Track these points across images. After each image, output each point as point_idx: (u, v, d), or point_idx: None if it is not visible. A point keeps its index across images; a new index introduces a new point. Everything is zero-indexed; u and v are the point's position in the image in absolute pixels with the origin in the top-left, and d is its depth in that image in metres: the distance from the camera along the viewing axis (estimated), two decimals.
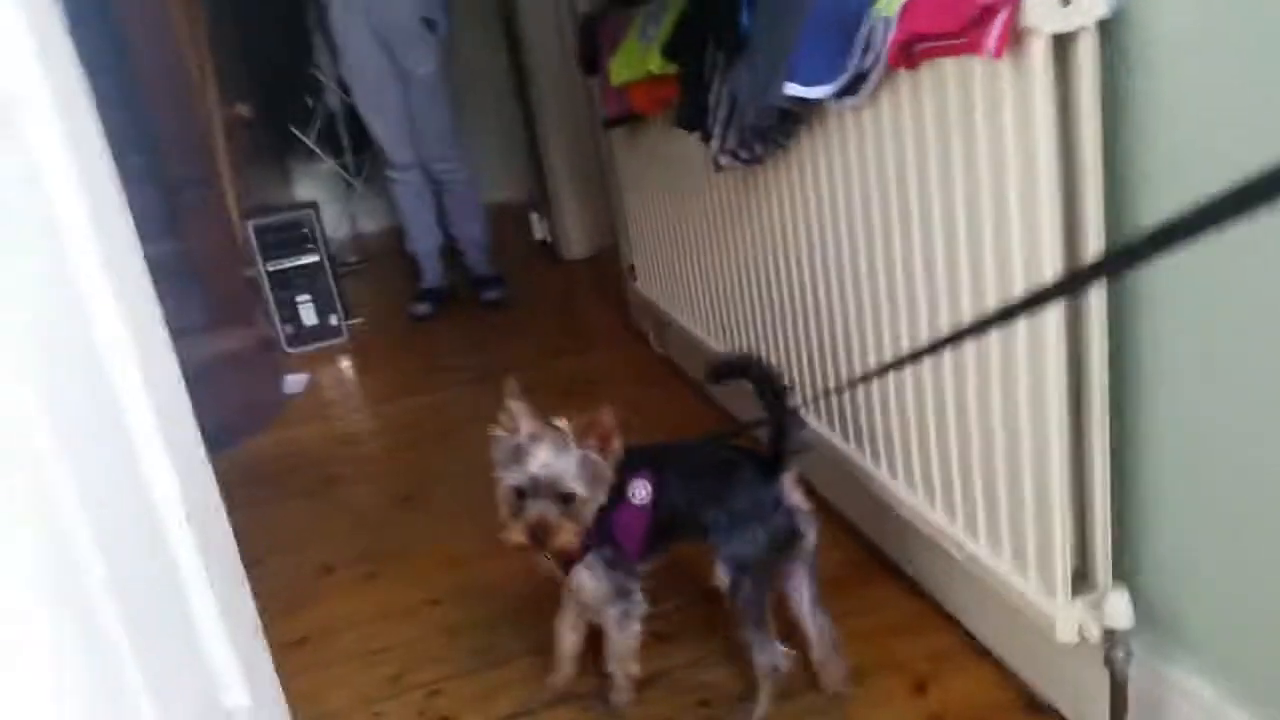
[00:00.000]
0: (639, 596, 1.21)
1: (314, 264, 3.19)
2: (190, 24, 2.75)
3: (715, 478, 1.16)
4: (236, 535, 1.67)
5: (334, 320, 3.24)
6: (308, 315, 3.20)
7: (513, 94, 3.90)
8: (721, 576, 1.14)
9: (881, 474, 1.38)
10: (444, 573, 1.72)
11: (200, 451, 1.04)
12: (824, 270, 1.38)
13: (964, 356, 1.09)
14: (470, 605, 1.61)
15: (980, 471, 1.11)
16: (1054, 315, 0.92)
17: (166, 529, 0.96)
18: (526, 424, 1.11)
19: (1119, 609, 0.95)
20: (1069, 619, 0.99)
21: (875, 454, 1.39)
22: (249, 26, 3.91)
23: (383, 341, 3.25)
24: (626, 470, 1.13)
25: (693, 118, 1.48)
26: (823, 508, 1.70)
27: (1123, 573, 0.99)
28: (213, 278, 2.55)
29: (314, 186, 4.67)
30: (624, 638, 1.23)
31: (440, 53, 3.02)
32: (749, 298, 1.70)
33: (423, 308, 3.37)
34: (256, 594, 1.73)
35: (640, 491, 1.14)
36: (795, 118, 1.26)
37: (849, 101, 1.14)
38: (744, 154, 1.37)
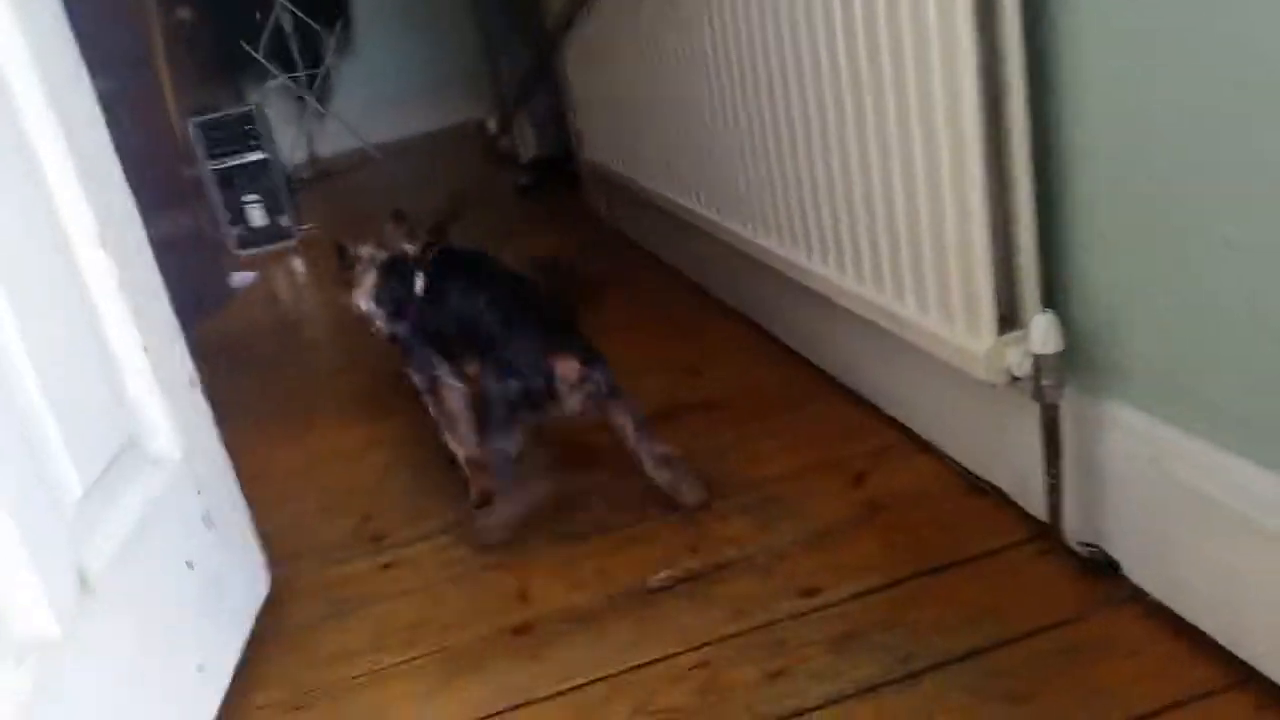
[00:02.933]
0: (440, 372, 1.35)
1: (260, 162, 3.09)
2: None
3: (503, 316, 1.22)
4: None
5: (284, 222, 3.16)
6: (256, 216, 3.12)
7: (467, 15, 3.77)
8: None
9: (801, 258, 1.34)
10: (378, 423, 1.69)
11: (117, 173, 0.97)
12: (754, 91, 1.32)
13: (881, 101, 1.02)
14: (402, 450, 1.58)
15: (904, 222, 1.05)
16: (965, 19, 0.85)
17: (76, 253, 0.88)
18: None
19: (1044, 332, 0.90)
20: (996, 356, 0.94)
21: (794, 239, 1.35)
22: None
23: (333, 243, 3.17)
24: (439, 266, 1.33)
25: None
26: (755, 330, 1.71)
27: (1052, 303, 0.93)
28: (147, 169, 2.46)
29: (266, 105, 4.55)
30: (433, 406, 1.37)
31: None
32: (688, 137, 1.63)
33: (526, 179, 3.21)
34: None
35: (418, 283, 1.33)
36: None
37: None
38: None
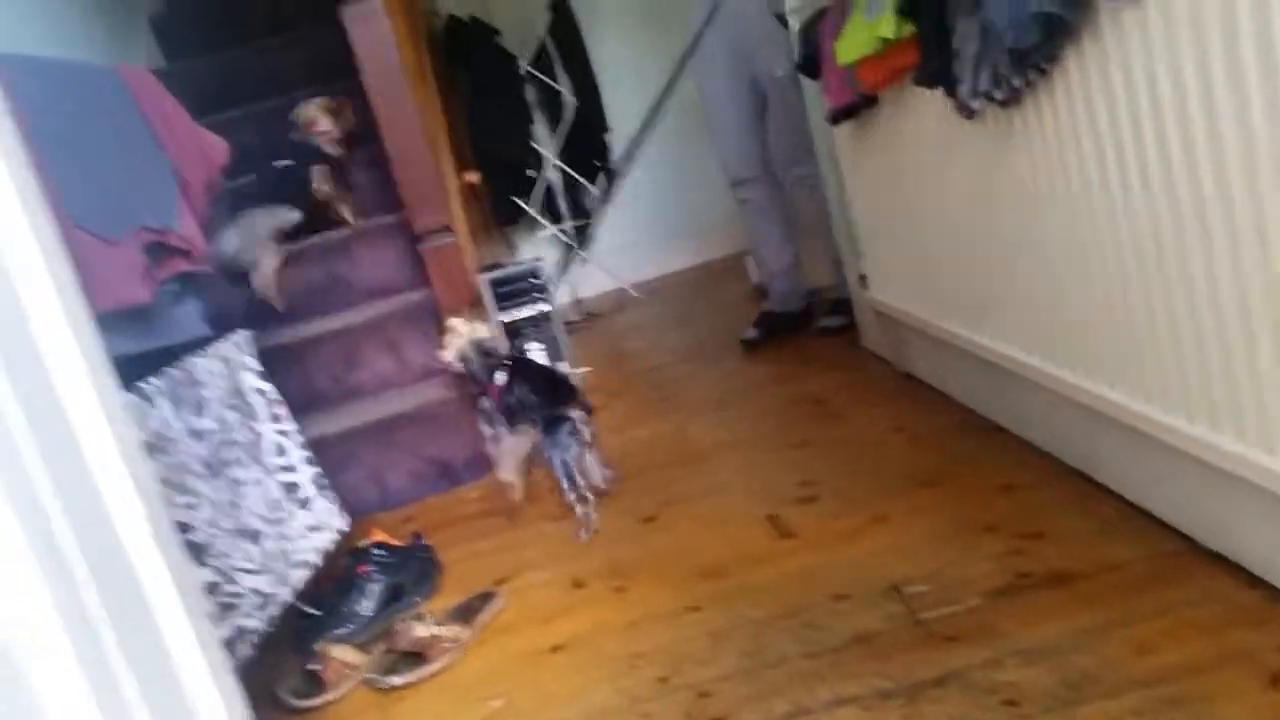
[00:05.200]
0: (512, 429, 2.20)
1: (544, 314, 3.28)
2: (428, 101, 2.97)
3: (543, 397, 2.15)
4: (484, 558, 1.72)
5: (564, 368, 3.31)
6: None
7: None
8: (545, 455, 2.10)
9: (1160, 412, 1.23)
10: (699, 583, 1.67)
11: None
12: (1107, 220, 1.24)
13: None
14: (733, 611, 1.54)
15: None
16: None
17: None
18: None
19: None
20: None
21: (1159, 394, 1.23)
22: (476, 103, 4.20)
23: (612, 383, 3.27)
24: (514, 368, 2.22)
25: (936, 71, 1.39)
26: (1097, 489, 1.55)
27: None
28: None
29: (534, 254, 4.89)
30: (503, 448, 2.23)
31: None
32: (1016, 272, 1.55)
33: (752, 333, 3.11)
34: (508, 609, 1.76)
35: (500, 376, 2.19)
36: (1061, 30, 1.14)
37: None
38: (999, 93, 1.26)
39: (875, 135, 1.95)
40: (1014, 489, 1.71)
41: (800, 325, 3.04)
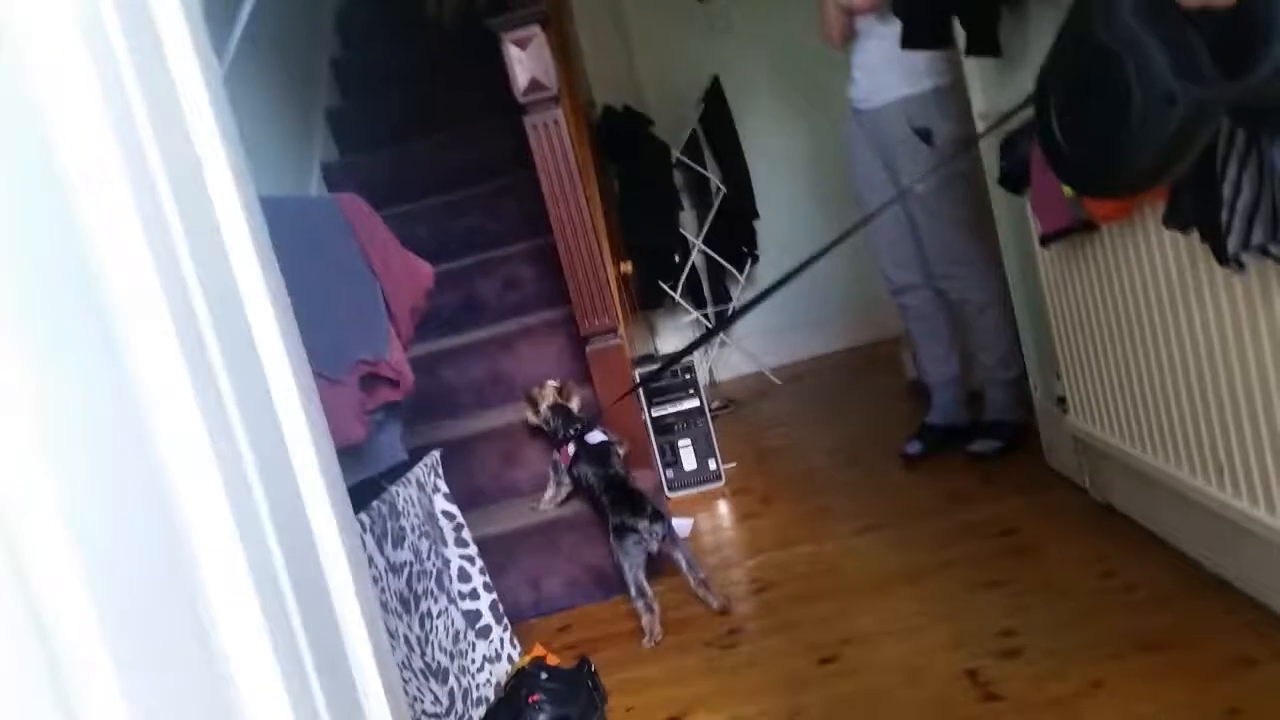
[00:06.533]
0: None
1: (694, 409, 3.23)
2: (593, 197, 2.99)
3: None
4: (649, 689, 1.58)
5: (712, 465, 3.23)
6: (688, 460, 3.22)
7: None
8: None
9: None
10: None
11: None
12: None
13: None
14: None
15: None
16: None
17: None
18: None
19: None
20: None
21: None
22: (627, 191, 4.24)
23: (758, 486, 3.16)
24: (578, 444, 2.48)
25: (1192, 215, 1.26)
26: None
27: None
28: (620, 422, 2.64)
29: (675, 339, 4.85)
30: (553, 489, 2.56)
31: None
32: (1269, 429, 1.40)
33: (915, 446, 2.91)
34: None
35: (570, 448, 2.46)
36: None
37: None
38: (1276, 247, 1.13)
39: (1092, 259, 1.82)
40: (1254, 663, 1.52)
41: (964, 440, 2.87)
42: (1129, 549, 1.97)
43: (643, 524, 2.22)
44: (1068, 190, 1.60)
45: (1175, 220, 1.31)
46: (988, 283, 2.70)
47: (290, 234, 1.44)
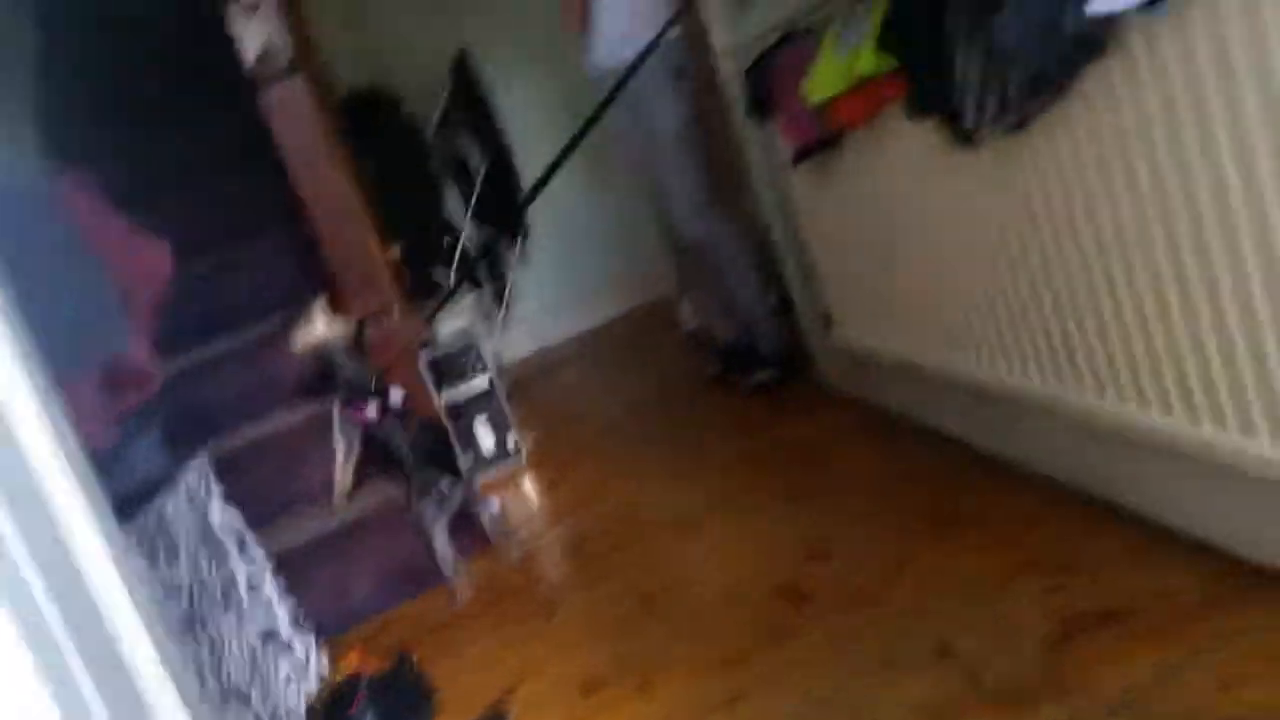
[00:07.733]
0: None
1: (485, 391, 3.14)
2: (349, 176, 2.81)
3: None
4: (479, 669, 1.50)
5: (511, 441, 3.16)
6: (485, 439, 3.13)
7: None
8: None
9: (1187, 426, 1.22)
10: (724, 672, 1.54)
11: None
12: (1137, 238, 1.20)
13: None
14: (772, 700, 1.42)
15: None
16: None
17: None
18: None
19: None
20: None
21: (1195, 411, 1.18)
22: (383, 175, 4.05)
23: (563, 454, 3.12)
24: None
25: (932, 100, 1.33)
26: (1127, 518, 1.48)
27: None
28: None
29: (457, 324, 4.72)
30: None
31: (683, 106, 2.67)
32: (1022, 299, 1.50)
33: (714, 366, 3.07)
34: None
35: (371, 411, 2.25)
36: (1087, 51, 1.09)
37: (1159, 10, 0.97)
38: (1011, 116, 1.21)
39: (839, 175, 1.90)
40: (1038, 522, 1.64)
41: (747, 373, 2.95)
42: (907, 443, 2.08)
43: (445, 481, 2.20)
44: (813, 97, 1.66)
45: (915, 109, 1.38)
46: (732, 226, 2.80)
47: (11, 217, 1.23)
